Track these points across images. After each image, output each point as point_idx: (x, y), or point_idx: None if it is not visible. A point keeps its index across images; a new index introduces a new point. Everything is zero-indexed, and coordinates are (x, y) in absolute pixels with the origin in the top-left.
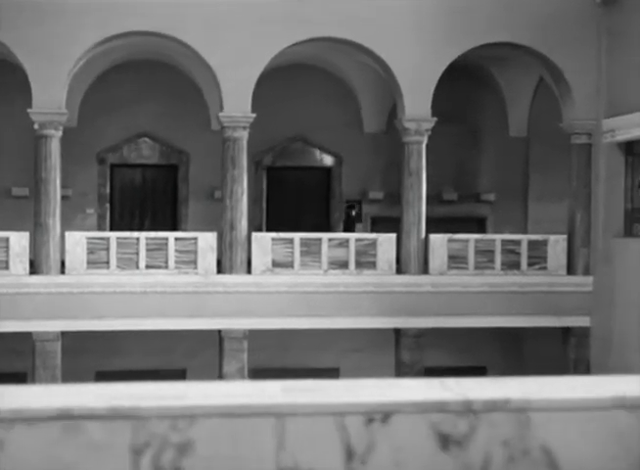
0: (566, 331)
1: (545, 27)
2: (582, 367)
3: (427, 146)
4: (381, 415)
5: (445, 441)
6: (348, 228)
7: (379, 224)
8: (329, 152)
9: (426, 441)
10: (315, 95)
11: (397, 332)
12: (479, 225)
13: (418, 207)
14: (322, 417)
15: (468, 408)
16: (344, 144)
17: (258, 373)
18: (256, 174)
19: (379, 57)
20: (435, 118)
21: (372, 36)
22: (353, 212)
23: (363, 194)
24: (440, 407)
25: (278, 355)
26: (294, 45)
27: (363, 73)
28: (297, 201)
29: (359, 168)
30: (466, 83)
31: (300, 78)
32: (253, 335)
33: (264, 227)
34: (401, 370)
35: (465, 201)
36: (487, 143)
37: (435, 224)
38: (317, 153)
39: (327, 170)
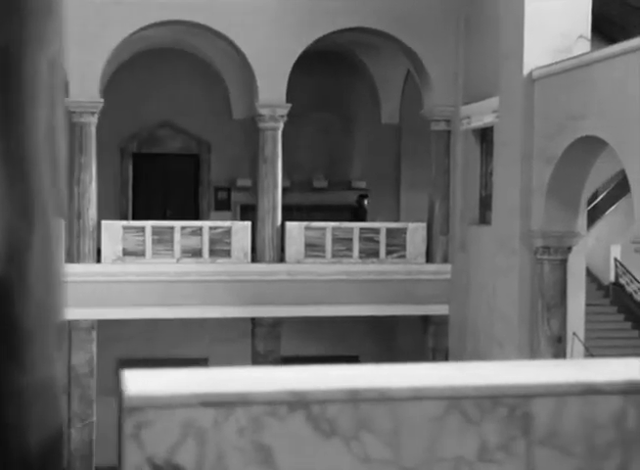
0: (425, 319)
1: (404, 14)
2: (441, 356)
3: (296, 133)
4: None
5: None
6: (361, 218)
7: (248, 212)
8: (197, 138)
9: None
10: (183, 80)
11: (253, 321)
12: (351, 213)
13: (273, 194)
14: None
15: None
16: (213, 130)
17: (125, 364)
18: (122, 161)
19: (232, 41)
20: (290, 104)
21: (224, 19)
22: (365, 202)
23: (232, 181)
24: None
25: (146, 346)
26: (145, 28)
27: (230, 59)
28: (164, 188)
29: (228, 155)
30: (338, 70)
31: (168, 63)
32: (120, 325)
33: (130, 215)
34: (257, 360)
35: (337, 188)
36: (359, 130)
37: (308, 212)
38: (185, 139)
39: (195, 157)
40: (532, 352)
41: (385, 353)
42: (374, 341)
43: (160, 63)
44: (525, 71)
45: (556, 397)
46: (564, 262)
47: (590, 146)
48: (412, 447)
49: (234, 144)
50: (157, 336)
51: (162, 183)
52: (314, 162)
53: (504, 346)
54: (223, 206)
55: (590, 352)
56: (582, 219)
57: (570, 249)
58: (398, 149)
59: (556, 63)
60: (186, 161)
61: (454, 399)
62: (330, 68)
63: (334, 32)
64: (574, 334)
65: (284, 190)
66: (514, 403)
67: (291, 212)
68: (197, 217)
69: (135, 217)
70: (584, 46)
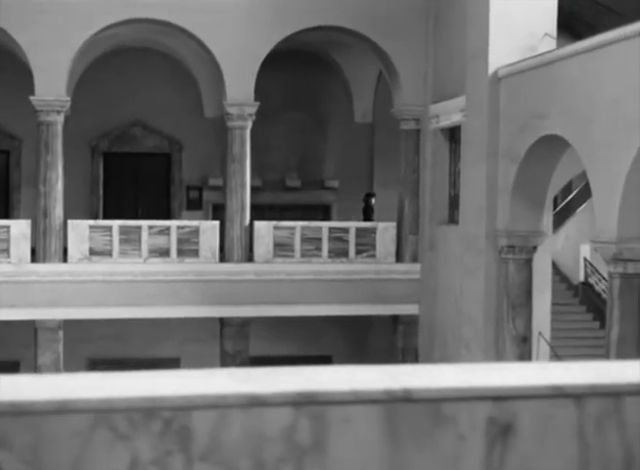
0: (394, 319)
1: (374, 13)
2: (411, 356)
3: (268, 132)
4: None
5: None
6: (368, 217)
7: (220, 211)
8: (168, 137)
9: None
10: (154, 79)
11: (221, 321)
12: (324, 213)
13: (241, 193)
14: None
15: None
16: (184, 129)
17: (97, 364)
18: (93, 160)
19: (199, 39)
20: (258, 103)
21: (192, 17)
22: (373, 201)
23: (204, 181)
24: None
25: (116, 346)
26: (112, 26)
27: (201, 57)
28: (136, 187)
29: (199, 154)
30: (311, 69)
31: (140, 62)
32: (91, 325)
33: (101, 215)
34: (225, 360)
35: (309, 188)
36: (332, 129)
37: (280, 212)
38: (156, 138)
39: (166, 156)
40: (498, 353)
41: (357, 353)
42: (347, 341)
43: (132, 61)
44: (491, 70)
45: (218, 409)
46: (529, 262)
47: (553, 145)
48: (54, 465)
49: (206, 143)
50: (127, 336)
51: (134, 182)
52: (287, 161)
53: (471, 346)
54: (195, 205)
55: (556, 353)
56: (547, 219)
57: (535, 248)
58: (372, 148)
59: (520, 61)
60: (158, 160)
61: (101, 413)
62: (303, 66)
63: (303, 31)
64: (540, 334)
65: (256, 190)
66: (170, 416)
67: (263, 212)
68: (168, 217)
69: (106, 217)
70: (550, 45)
